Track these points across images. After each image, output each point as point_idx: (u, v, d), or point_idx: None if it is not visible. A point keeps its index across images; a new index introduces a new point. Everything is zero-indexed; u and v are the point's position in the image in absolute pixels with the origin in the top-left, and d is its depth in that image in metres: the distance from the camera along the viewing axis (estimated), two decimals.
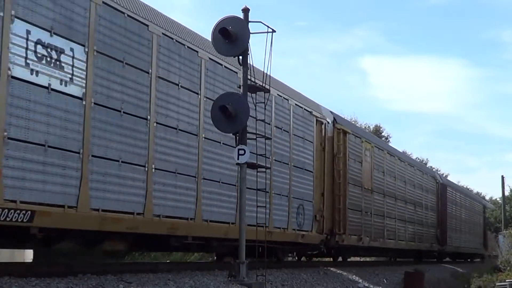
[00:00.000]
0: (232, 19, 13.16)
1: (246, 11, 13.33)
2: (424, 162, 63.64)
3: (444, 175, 60.63)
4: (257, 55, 14.33)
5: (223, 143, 14.45)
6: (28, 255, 14.60)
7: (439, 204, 35.77)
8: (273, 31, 13.32)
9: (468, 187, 70.19)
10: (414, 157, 54.93)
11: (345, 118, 25.26)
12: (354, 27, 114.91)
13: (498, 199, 55.52)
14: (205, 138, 13.88)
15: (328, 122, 20.75)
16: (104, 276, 10.79)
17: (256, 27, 13.33)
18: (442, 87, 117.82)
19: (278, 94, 17.12)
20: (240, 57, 13.35)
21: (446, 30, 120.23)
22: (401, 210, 28.35)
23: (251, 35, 13.16)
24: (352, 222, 22.12)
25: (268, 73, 13.62)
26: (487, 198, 74.06)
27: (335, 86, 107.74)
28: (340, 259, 24.59)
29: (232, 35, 12.98)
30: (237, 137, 13.25)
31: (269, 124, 15.70)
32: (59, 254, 13.87)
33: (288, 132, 17.83)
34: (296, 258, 23.54)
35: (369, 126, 56.78)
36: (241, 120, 13.01)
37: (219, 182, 14.39)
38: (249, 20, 13.29)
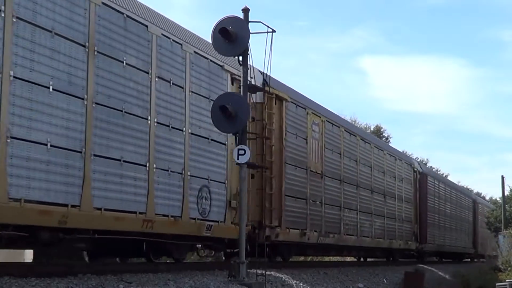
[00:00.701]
0: (232, 19, 13.17)
1: (246, 11, 13.35)
2: (424, 162, 63.49)
3: (444, 175, 60.43)
4: (257, 55, 14.33)
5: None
6: (28, 255, 14.61)
7: (417, 195, 31.22)
8: (273, 31, 13.36)
9: (468, 187, 70.08)
10: (413, 157, 54.64)
11: (304, 95, 19.79)
12: (353, 27, 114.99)
13: (498, 199, 55.44)
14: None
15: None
16: (104, 276, 10.80)
17: (256, 27, 13.34)
18: (442, 87, 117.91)
19: (163, 34, 12.75)
20: (240, 57, 13.36)
21: (446, 30, 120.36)
22: (365, 200, 23.97)
23: (251, 35, 13.18)
24: (292, 213, 17.78)
25: (268, 73, 13.65)
26: (487, 198, 74.06)
27: (335, 86, 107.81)
28: (281, 259, 19.86)
29: (232, 35, 12.99)
30: (237, 137, 13.26)
31: (148, 73, 12.26)
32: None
33: (182, 87, 13.31)
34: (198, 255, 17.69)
35: (369, 126, 56.85)
36: (241, 120, 13.02)
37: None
38: (249, 20, 13.31)
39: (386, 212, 26.40)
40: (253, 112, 15.26)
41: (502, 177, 47.91)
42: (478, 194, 73.12)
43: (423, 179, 32.00)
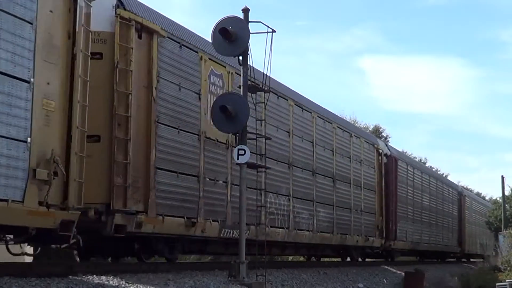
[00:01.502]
0: (232, 19, 13.18)
1: (246, 11, 13.37)
2: (423, 161, 63.48)
3: (444, 175, 60.12)
4: (257, 55, 14.32)
5: None
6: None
7: (383, 183, 25.72)
8: (273, 31, 13.37)
9: (468, 187, 69.80)
10: (412, 157, 54.36)
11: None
12: (353, 27, 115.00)
13: (498, 199, 55.40)
14: None
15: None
16: (104, 276, 10.80)
17: (256, 27, 13.29)
18: (441, 87, 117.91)
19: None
20: (240, 57, 13.37)
21: (445, 30, 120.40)
22: (303, 185, 18.89)
23: (251, 35, 13.19)
24: (171, 194, 12.92)
25: (268, 74, 13.65)
26: (487, 198, 74.00)
27: (335, 86, 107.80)
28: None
29: (232, 35, 13.00)
30: (237, 137, 13.27)
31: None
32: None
33: None
34: None
35: (368, 126, 56.82)
36: (241, 120, 13.04)
37: None
38: (249, 20, 13.33)
39: (337, 200, 21.10)
40: (98, 46, 11.54)
41: (502, 177, 47.89)
42: (478, 194, 73.12)
43: (392, 164, 26.49)
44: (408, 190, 28.99)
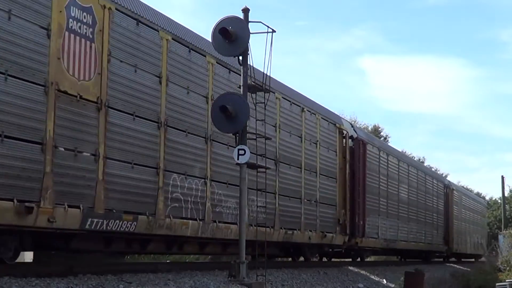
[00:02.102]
0: (232, 19, 13.18)
1: (246, 11, 13.37)
2: (421, 161, 63.34)
3: (443, 175, 59.94)
4: (257, 55, 14.27)
5: None
6: (28, 255, 14.60)
7: (347, 170, 21.79)
8: (273, 31, 13.35)
9: (468, 187, 69.67)
10: (412, 157, 54.04)
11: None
12: (353, 27, 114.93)
13: (498, 200, 55.44)
14: None
15: None
16: (104, 276, 10.81)
17: (256, 27, 13.24)
18: (441, 87, 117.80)
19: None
20: (240, 57, 13.37)
21: (445, 30, 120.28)
22: (228, 166, 14.52)
23: (251, 35, 13.19)
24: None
25: (268, 74, 13.64)
26: (487, 198, 74.01)
27: (334, 86, 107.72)
28: None
29: (232, 35, 13.01)
30: (237, 137, 13.27)
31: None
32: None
33: None
34: None
35: (368, 126, 56.83)
36: (241, 120, 13.04)
37: None
38: (249, 20, 13.33)
39: (280, 187, 17.28)
40: None
41: (502, 177, 48.04)
42: (478, 194, 73.01)
43: (359, 148, 22.64)
44: (381, 180, 25.15)
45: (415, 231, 29.51)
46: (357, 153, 22.57)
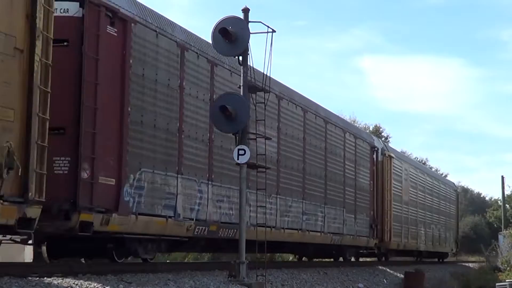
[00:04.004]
0: (232, 19, 13.17)
1: (246, 11, 13.36)
2: (422, 162, 63.21)
3: (443, 175, 59.82)
4: (257, 55, 14.31)
5: None
6: (28, 255, 14.61)
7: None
8: (273, 31, 13.35)
9: (468, 187, 69.47)
10: (412, 157, 53.82)
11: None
12: (353, 27, 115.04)
13: (499, 202, 55.37)
14: None
15: None
16: (104, 276, 10.80)
17: (256, 27, 13.25)
18: (441, 87, 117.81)
19: None
20: (240, 57, 13.36)
21: (445, 30, 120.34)
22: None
23: (251, 35, 13.18)
24: None
25: (268, 74, 13.64)
26: (487, 198, 73.95)
27: (334, 86, 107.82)
28: None
29: (232, 35, 13.00)
30: (237, 137, 13.26)
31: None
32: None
33: None
34: None
35: (368, 126, 56.78)
36: (241, 120, 13.03)
37: None
38: (249, 20, 13.32)
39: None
40: None
41: (502, 177, 47.95)
42: (479, 194, 73.00)
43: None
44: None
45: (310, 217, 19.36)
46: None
